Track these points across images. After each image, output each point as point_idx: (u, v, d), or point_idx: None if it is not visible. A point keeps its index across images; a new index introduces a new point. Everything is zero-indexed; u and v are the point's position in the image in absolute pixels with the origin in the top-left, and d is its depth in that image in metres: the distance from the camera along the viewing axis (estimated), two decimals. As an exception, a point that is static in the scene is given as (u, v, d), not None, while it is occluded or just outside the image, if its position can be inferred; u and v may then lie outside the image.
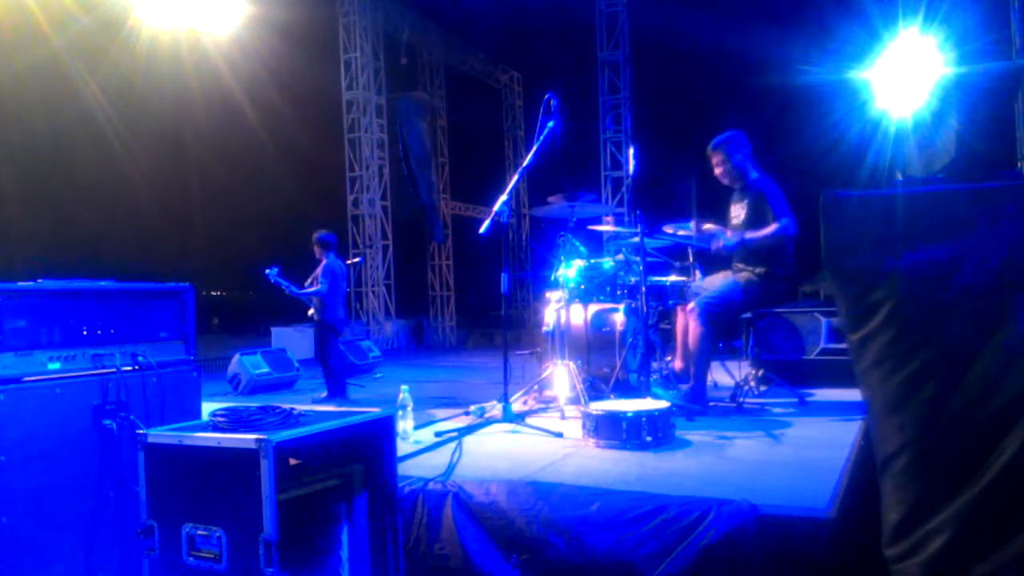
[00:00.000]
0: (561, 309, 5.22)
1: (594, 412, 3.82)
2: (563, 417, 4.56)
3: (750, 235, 4.74)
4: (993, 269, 2.09)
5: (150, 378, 3.03)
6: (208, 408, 2.66)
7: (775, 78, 12.32)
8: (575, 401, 4.68)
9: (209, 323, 25.36)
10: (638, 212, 4.69)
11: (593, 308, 5.24)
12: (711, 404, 4.77)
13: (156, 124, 16.26)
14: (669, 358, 5.50)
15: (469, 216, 16.65)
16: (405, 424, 4.05)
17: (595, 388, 4.94)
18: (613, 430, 3.72)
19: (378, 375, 8.53)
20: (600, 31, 13.26)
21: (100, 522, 2.80)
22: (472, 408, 4.70)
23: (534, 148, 4.64)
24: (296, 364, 7.87)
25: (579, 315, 5.18)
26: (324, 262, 6.70)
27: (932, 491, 2.10)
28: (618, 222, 6.95)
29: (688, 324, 4.81)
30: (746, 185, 4.91)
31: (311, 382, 7.71)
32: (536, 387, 5.15)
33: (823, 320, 5.84)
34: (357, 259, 9.52)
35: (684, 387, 4.78)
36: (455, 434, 4.11)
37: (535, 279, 15.00)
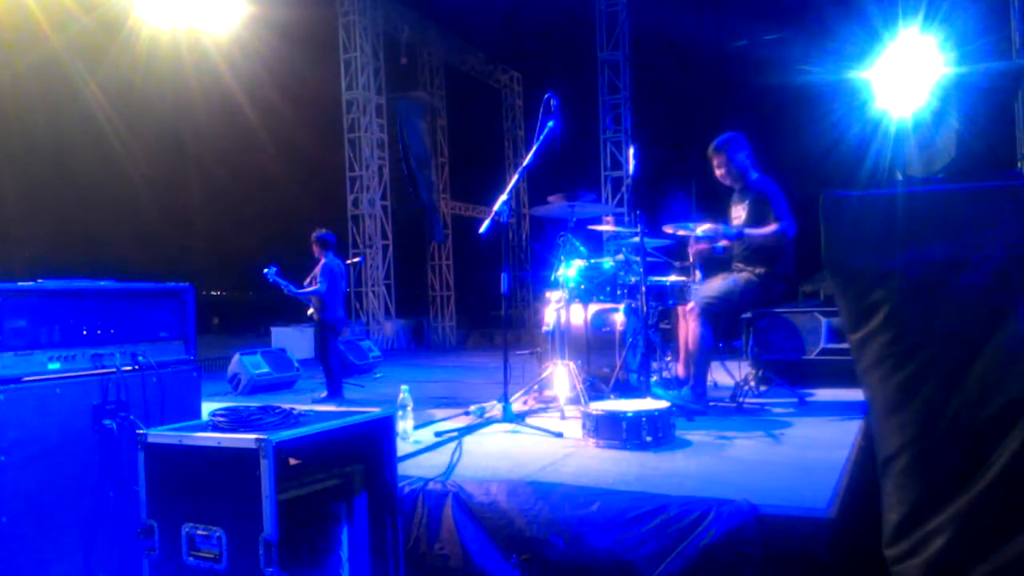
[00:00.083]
0: (561, 309, 5.22)
1: (594, 412, 3.82)
2: (563, 417, 4.56)
3: (750, 231, 4.74)
4: (993, 269, 2.09)
5: (150, 378, 3.03)
6: (208, 408, 2.66)
7: (775, 78, 12.33)
8: (575, 401, 4.68)
9: (209, 323, 25.34)
10: (638, 212, 4.69)
11: (593, 308, 5.24)
12: (711, 404, 4.78)
13: (156, 124, 16.26)
14: (669, 358, 5.50)
15: (469, 216, 16.65)
16: (405, 424, 4.05)
17: (595, 388, 4.94)
18: (613, 430, 3.72)
19: (378, 375, 8.53)
20: (600, 31, 13.26)
21: (100, 522, 2.80)
22: (472, 408, 4.70)
23: (534, 148, 4.64)
24: (296, 364, 7.87)
25: (579, 315, 5.18)
26: (323, 261, 6.70)
27: (932, 491, 2.10)
28: (618, 222, 6.96)
29: (688, 324, 4.81)
30: (746, 186, 4.91)
31: (311, 382, 7.71)
32: (536, 387, 5.15)
33: (823, 320, 5.84)
34: (357, 259, 9.52)
35: (684, 388, 4.78)
36: (455, 434, 4.11)
37: (535, 279, 15.01)
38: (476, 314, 17.01)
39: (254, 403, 2.63)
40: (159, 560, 2.38)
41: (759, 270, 4.76)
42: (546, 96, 4.69)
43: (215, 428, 2.39)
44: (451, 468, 3.31)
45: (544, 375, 5.13)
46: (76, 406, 2.77)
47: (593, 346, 5.18)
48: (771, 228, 4.67)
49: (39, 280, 2.81)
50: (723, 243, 4.94)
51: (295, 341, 11.12)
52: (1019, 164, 8.62)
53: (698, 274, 5.39)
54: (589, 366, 5.11)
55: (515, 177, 4.99)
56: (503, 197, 4.55)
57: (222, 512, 2.27)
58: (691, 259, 5.32)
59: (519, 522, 2.83)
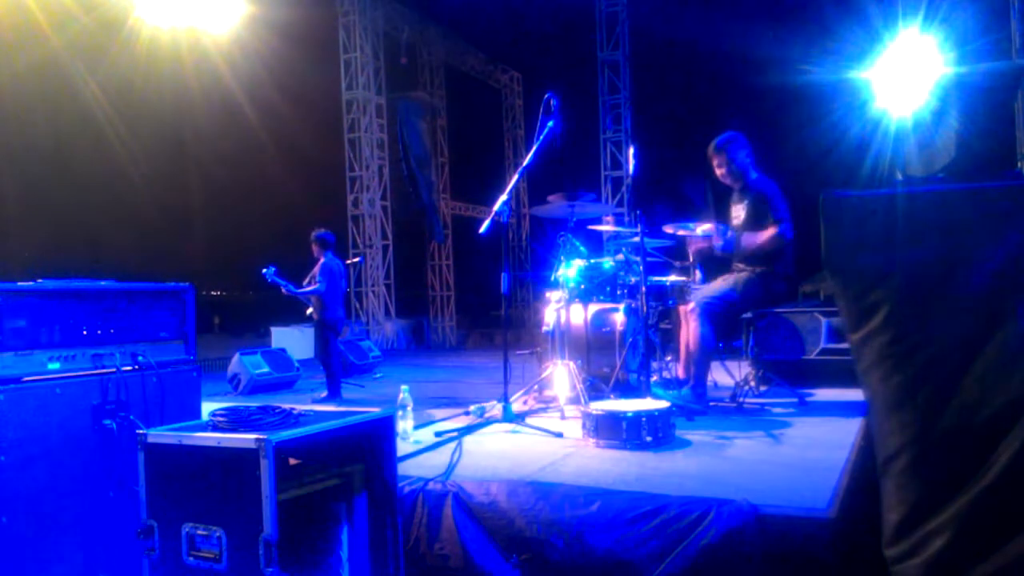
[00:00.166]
0: (561, 309, 5.22)
1: (594, 412, 3.82)
2: (563, 417, 4.56)
3: (746, 242, 4.75)
4: (993, 269, 2.09)
5: (150, 378, 3.03)
6: (208, 408, 2.66)
7: (775, 78, 12.32)
8: (575, 401, 4.68)
9: (211, 323, 25.34)
10: (638, 212, 4.69)
11: (593, 308, 5.24)
12: (711, 404, 4.78)
13: (156, 124, 16.26)
14: (669, 358, 5.50)
15: (469, 216, 16.65)
16: (405, 424, 4.05)
17: (595, 388, 4.94)
18: (613, 430, 3.72)
19: (378, 375, 8.53)
20: (600, 31, 13.26)
21: (100, 522, 2.80)
22: (472, 408, 4.70)
23: (534, 148, 4.64)
24: (296, 364, 7.87)
25: (579, 315, 5.18)
26: (322, 261, 6.70)
27: (933, 491, 2.10)
28: (618, 222, 6.95)
29: (688, 324, 4.81)
30: (746, 186, 4.92)
31: (311, 382, 7.71)
32: (536, 387, 5.15)
33: (823, 320, 5.84)
34: (357, 259, 9.52)
35: (684, 389, 4.78)
36: (455, 434, 4.11)
37: (535, 279, 15.01)
38: (476, 314, 17.01)
39: (254, 403, 2.63)
40: (159, 560, 2.38)
41: (759, 270, 4.76)
42: (546, 96, 4.69)
43: (215, 428, 2.39)
44: (451, 468, 3.31)
45: (544, 375, 5.13)
46: (76, 406, 2.78)
47: (593, 346, 5.18)
48: (768, 233, 4.67)
49: (39, 280, 2.81)
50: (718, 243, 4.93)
51: (295, 341, 11.12)
52: (1019, 164, 8.62)
53: (698, 274, 5.39)
54: (589, 366, 5.11)
55: (515, 177, 4.99)
56: (503, 197, 4.55)
57: (222, 512, 2.27)
58: (691, 259, 5.33)
59: (519, 522, 2.83)
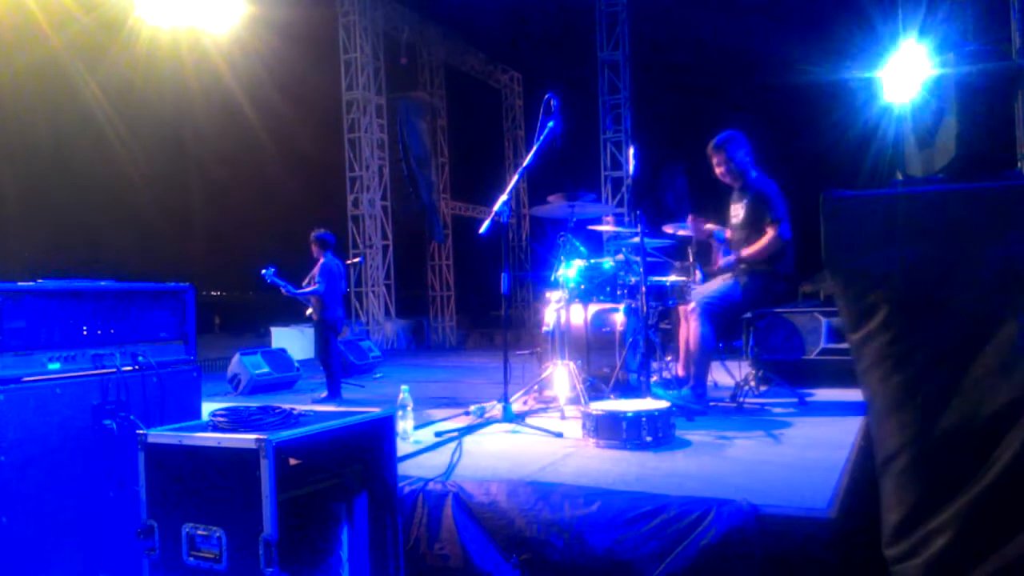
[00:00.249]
0: (561, 309, 5.22)
1: (594, 412, 3.82)
2: (563, 417, 4.56)
3: (746, 253, 4.75)
4: (993, 269, 2.09)
5: (150, 378, 3.03)
6: (208, 408, 2.66)
7: (775, 78, 12.33)
8: (575, 401, 4.68)
9: (211, 323, 25.35)
10: (638, 212, 4.69)
11: (593, 308, 5.24)
12: (711, 404, 4.78)
13: (156, 124, 16.27)
14: (669, 358, 5.50)
15: (469, 216, 16.64)
16: (405, 424, 4.05)
17: (595, 388, 4.94)
18: (613, 430, 3.72)
19: (378, 375, 8.53)
20: (600, 31, 13.25)
21: (100, 522, 2.80)
22: (472, 408, 4.70)
23: (534, 148, 4.64)
24: (296, 364, 7.87)
25: (579, 315, 5.18)
26: (322, 261, 6.70)
27: (932, 491, 2.10)
28: (618, 222, 6.96)
29: (688, 324, 4.81)
30: (746, 184, 4.91)
31: (311, 382, 7.71)
32: (536, 387, 5.15)
33: (823, 320, 5.84)
34: (357, 259, 9.52)
35: (684, 389, 4.78)
36: (455, 434, 4.11)
37: (535, 279, 15.01)
38: (476, 314, 17.01)
39: (254, 403, 2.63)
40: (159, 560, 2.38)
41: (759, 270, 4.76)
42: (546, 96, 4.69)
43: (215, 428, 2.39)
44: (451, 468, 3.31)
45: (544, 375, 5.13)
46: (76, 406, 2.78)
47: (593, 346, 5.18)
48: (766, 239, 4.68)
49: (39, 280, 2.81)
50: (726, 234, 4.94)
51: (295, 341, 11.12)
52: (1019, 164, 8.62)
53: (698, 274, 5.39)
54: (589, 366, 5.11)
55: (515, 177, 4.99)
56: (503, 197, 4.55)
57: (222, 512, 2.27)
58: (691, 258, 5.33)
59: (519, 522, 2.83)
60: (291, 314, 11.62)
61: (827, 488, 2.77)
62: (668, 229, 5.14)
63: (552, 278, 5.28)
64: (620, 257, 5.26)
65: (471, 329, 16.19)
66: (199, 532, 2.30)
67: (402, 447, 3.53)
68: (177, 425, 2.54)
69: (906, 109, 2.74)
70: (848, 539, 2.54)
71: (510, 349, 4.91)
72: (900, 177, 2.72)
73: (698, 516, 2.58)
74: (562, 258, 5.18)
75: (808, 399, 4.93)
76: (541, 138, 4.65)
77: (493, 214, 4.58)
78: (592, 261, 5.24)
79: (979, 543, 2.03)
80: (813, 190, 2.42)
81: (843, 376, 5.11)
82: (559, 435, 4.05)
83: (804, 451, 3.55)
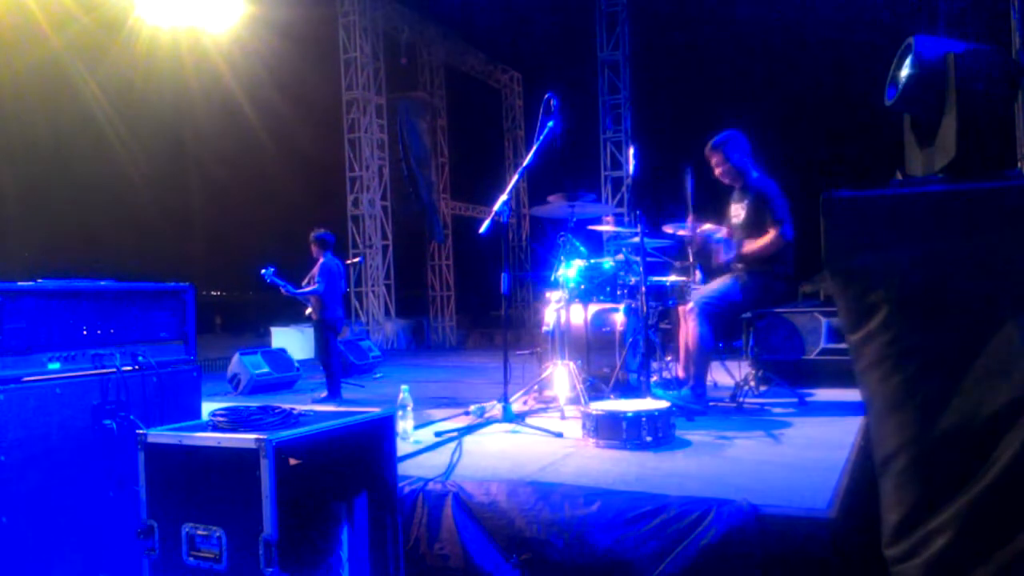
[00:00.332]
0: (561, 309, 5.22)
1: (594, 412, 3.82)
2: (563, 417, 4.56)
3: (747, 248, 4.75)
4: (994, 269, 2.09)
5: (150, 378, 3.03)
6: (208, 408, 2.66)
7: (776, 77, 12.34)
8: (575, 401, 4.68)
9: (212, 323, 25.35)
10: (638, 212, 4.69)
11: (593, 308, 5.24)
12: (711, 404, 4.78)
13: (156, 124, 16.28)
14: (669, 358, 5.50)
15: (469, 216, 16.64)
16: (405, 424, 4.05)
17: (595, 388, 4.94)
18: (613, 430, 3.72)
19: (378, 375, 8.53)
20: (600, 31, 13.25)
21: (100, 522, 2.80)
22: (472, 408, 4.70)
23: (534, 148, 4.64)
24: (296, 364, 7.87)
25: (579, 315, 5.18)
26: (321, 261, 6.70)
27: (932, 491, 2.10)
28: (618, 222, 6.95)
29: (688, 324, 4.81)
30: (747, 185, 4.91)
31: (311, 382, 7.71)
32: (536, 387, 5.15)
33: (823, 320, 5.83)
34: (357, 259, 9.52)
35: (684, 389, 4.78)
36: (455, 434, 4.11)
37: (535, 279, 15.01)
38: (476, 314, 17.02)
39: (254, 403, 2.63)
40: (159, 560, 2.38)
41: (759, 270, 4.76)
42: (546, 96, 4.69)
43: (215, 428, 2.39)
44: (451, 468, 3.31)
45: (544, 375, 5.13)
46: (76, 406, 2.78)
47: (593, 346, 5.18)
48: (768, 237, 4.67)
49: (39, 280, 2.81)
50: (722, 234, 4.93)
51: (295, 341, 11.12)
52: (1019, 164, 8.62)
53: (698, 274, 5.39)
54: (589, 366, 5.11)
55: (515, 177, 4.99)
56: (503, 197, 4.55)
57: (222, 512, 2.27)
58: (691, 258, 5.32)
59: (519, 522, 2.83)
60: (291, 314, 11.63)
61: (827, 488, 2.77)
62: (668, 229, 5.13)
63: (552, 278, 5.28)
64: (620, 257, 5.26)
65: (471, 329, 16.19)
66: (199, 532, 2.30)
67: (402, 447, 3.53)
68: (177, 425, 2.54)
69: (906, 109, 2.74)
70: (848, 539, 2.54)
71: (510, 349, 4.91)
72: (900, 177, 2.72)
73: (698, 516, 2.58)
74: (562, 258, 5.18)
75: (808, 399, 4.93)
76: (541, 138, 4.65)
77: (493, 214, 4.58)
78: (592, 261, 5.24)
79: (979, 543, 2.03)
80: (813, 190, 2.42)
81: (843, 376, 5.11)
82: (559, 435, 4.05)
83: (804, 451, 3.55)
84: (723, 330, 4.97)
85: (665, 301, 5.15)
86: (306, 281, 6.76)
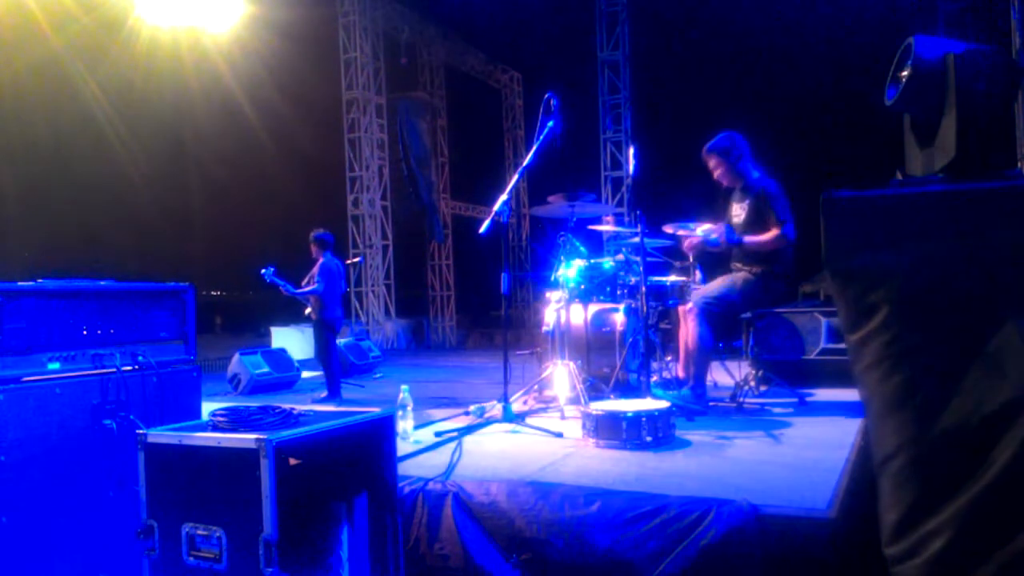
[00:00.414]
0: (561, 309, 5.22)
1: (594, 412, 3.82)
2: (563, 417, 4.56)
3: (749, 239, 4.75)
4: (994, 269, 2.09)
5: (150, 378, 3.03)
6: (208, 408, 2.66)
7: (776, 77, 12.34)
8: (575, 401, 4.68)
9: (212, 323, 25.35)
10: (638, 212, 4.69)
11: (593, 308, 5.24)
12: (711, 404, 4.78)
13: (156, 124, 16.28)
14: (669, 358, 5.50)
15: (469, 216, 16.65)
16: (405, 424, 4.05)
17: (595, 388, 4.94)
18: (613, 430, 3.72)
19: (378, 375, 8.53)
20: (600, 31, 13.25)
21: (100, 522, 2.80)
22: (472, 408, 4.70)
23: (534, 148, 4.64)
24: (296, 364, 7.87)
25: (579, 315, 5.18)
26: (321, 261, 6.71)
27: (931, 491, 2.10)
28: (618, 222, 6.96)
29: (688, 324, 4.81)
30: (747, 185, 4.90)
31: (311, 382, 7.71)
32: (536, 387, 5.15)
33: (823, 320, 5.83)
34: (357, 259, 9.51)
35: (684, 389, 4.78)
36: (455, 434, 4.11)
37: (535, 279, 15.01)
38: (476, 314, 17.02)
39: (254, 403, 2.63)
40: (159, 560, 2.38)
41: (758, 270, 4.76)
42: (546, 96, 4.69)
43: (215, 428, 2.39)
44: (451, 468, 3.32)
45: (544, 375, 5.13)
46: (76, 406, 2.78)
47: (593, 346, 5.18)
48: (771, 234, 4.66)
49: (39, 280, 2.81)
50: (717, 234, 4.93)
51: (295, 341, 11.12)
52: (1019, 164, 8.62)
53: (698, 274, 5.39)
54: (589, 366, 5.11)
55: (515, 177, 4.99)
56: (503, 197, 4.55)
57: (222, 512, 2.27)
58: (690, 258, 5.33)
59: (519, 522, 2.83)
60: (291, 314, 11.63)
61: (827, 488, 2.77)
62: (668, 229, 5.13)
63: (552, 278, 5.28)
64: (620, 257, 5.26)
65: (471, 329, 16.19)
66: (199, 532, 2.30)
67: (402, 447, 3.53)
68: (177, 425, 2.54)
69: (906, 109, 2.74)
70: (848, 539, 2.54)
71: (510, 349, 4.91)
72: (900, 177, 2.72)
73: (698, 516, 2.58)
74: (562, 258, 5.18)
75: (808, 399, 4.93)
76: (541, 138, 4.65)
77: (493, 214, 4.58)
78: (592, 261, 5.24)
79: (979, 543, 2.03)
80: (813, 190, 2.42)
81: (843, 376, 5.09)
82: (559, 435, 4.05)
83: (804, 451, 3.55)
84: (723, 330, 4.97)
85: (665, 301, 5.15)
86: (306, 281, 6.76)
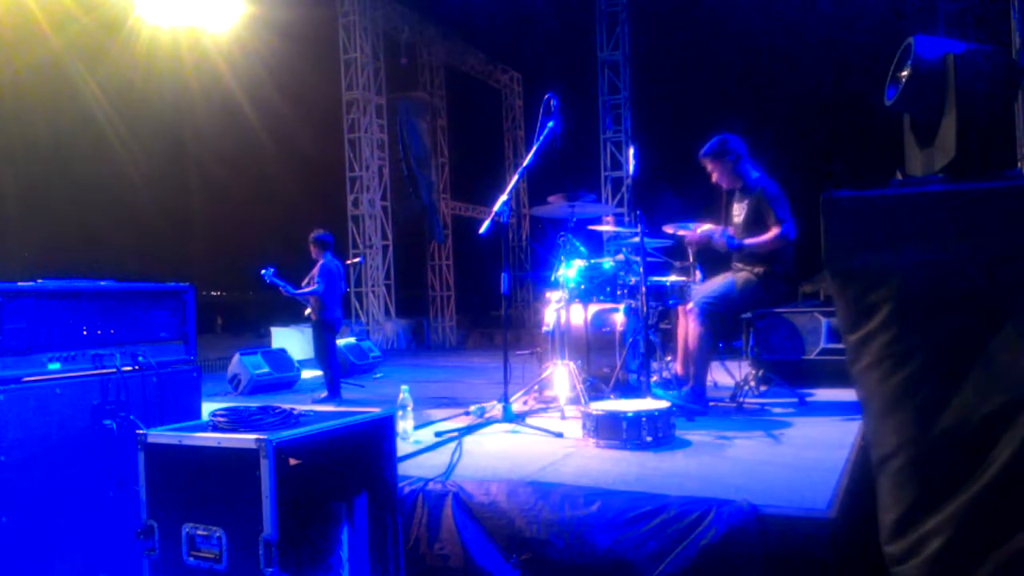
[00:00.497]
0: (561, 309, 5.22)
1: (594, 412, 3.82)
2: (563, 417, 4.56)
3: (750, 241, 4.75)
4: (994, 270, 2.09)
5: (150, 378, 3.03)
6: (208, 408, 2.66)
7: (776, 77, 12.33)
8: (575, 401, 4.68)
9: (213, 323, 25.36)
10: (638, 212, 4.69)
11: (593, 308, 5.24)
12: (711, 404, 4.77)
13: (156, 124, 16.29)
14: (669, 358, 5.50)
15: (469, 216, 16.65)
16: (405, 424, 4.05)
17: (595, 388, 4.94)
18: (613, 430, 3.72)
19: (378, 375, 8.53)
20: (600, 31, 13.25)
21: (100, 522, 2.80)
22: (472, 408, 4.70)
23: (534, 148, 4.64)
24: (296, 364, 7.87)
25: (579, 315, 5.18)
26: (321, 262, 6.71)
27: (930, 491, 2.10)
28: (618, 222, 6.96)
29: (688, 324, 4.81)
30: (747, 186, 4.90)
31: (311, 382, 7.71)
32: (536, 387, 5.15)
33: (823, 320, 5.83)
34: (357, 259, 9.52)
35: (684, 389, 4.78)
36: (455, 434, 4.11)
37: (535, 279, 15.01)
38: (476, 314, 17.02)
39: (254, 403, 2.63)
40: (159, 560, 2.38)
41: (758, 270, 4.76)
42: (546, 96, 4.69)
43: (215, 428, 2.39)
44: (451, 468, 3.32)
45: (544, 375, 5.13)
46: (76, 406, 2.78)
47: (593, 346, 5.18)
48: (771, 234, 4.66)
49: (39, 280, 2.81)
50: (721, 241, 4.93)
51: (295, 341, 11.11)
52: (1019, 164, 8.61)
53: (698, 274, 5.39)
54: (589, 366, 5.11)
55: (515, 177, 4.99)
56: (503, 197, 4.55)
57: (222, 512, 2.27)
58: (691, 258, 5.32)
59: (519, 522, 2.83)
60: (291, 314, 11.62)
61: (827, 488, 2.77)
62: (668, 229, 5.13)
63: (552, 278, 5.28)
64: (620, 257, 5.26)
65: (471, 329, 16.19)
66: (199, 532, 2.30)
67: (402, 447, 3.53)
68: (177, 425, 2.54)
69: (906, 109, 2.74)
70: (848, 539, 2.54)
71: (510, 349, 4.91)
72: (900, 177, 2.72)
73: (698, 516, 2.58)
74: (562, 258, 5.18)
75: (808, 399, 4.93)
76: (541, 138, 4.65)
77: (493, 214, 4.58)
78: (592, 261, 5.24)
79: (978, 542, 2.03)
80: (813, 190, 2.42)
81: (843, 376, 5.07)
82: (559, 435, 4.05)
83: (804, 451, 3.55)
84: (723, 330, 4.97)
85: (665, 301, 5.15)
86: (306, 282, 6.77)
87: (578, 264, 5.15)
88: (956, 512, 2.05)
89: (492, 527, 2.88)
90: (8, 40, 11.49)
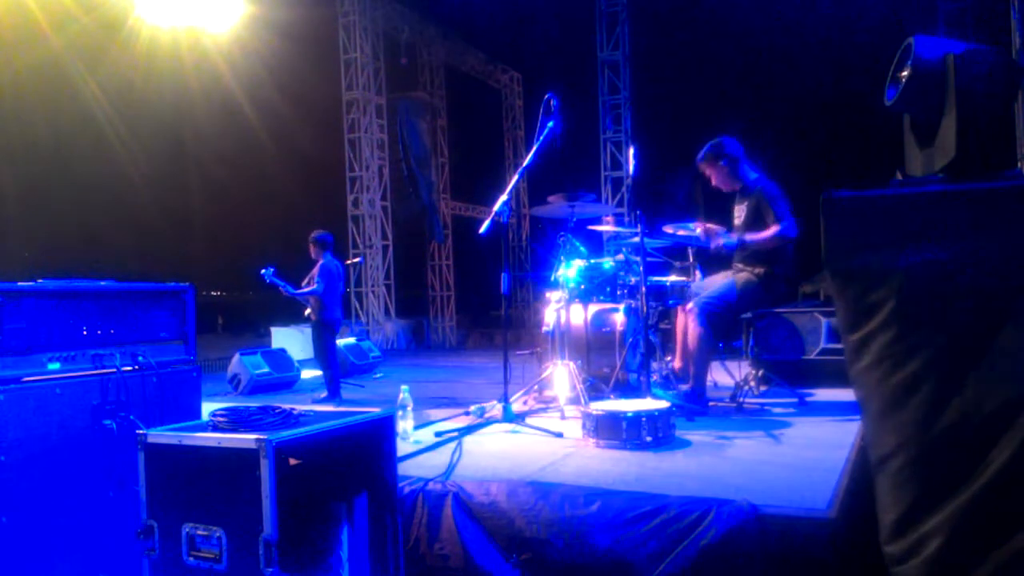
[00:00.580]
0: (561, 309, 5.22)
1: (594, 412, 3.82)
2: (563, 417, 4.56)
3: (750, 237, 4.74)
4: (994, 270, 2.09)
5: (150, 378, 3.03)
6: (208, 408, 2.66)
7: (776, 77, 12.33)
8: (575, 401, 4.68)
9: (214, 323, 25.35)
10: (638, 212, 4.69)
11: (593, 308, 5.24)
12: (711, 404, 4.78)
13: (156, 124, 16.30)
14: (669, 358, 5.50)
15: (469, 216, 16.64)
16: (405, 424, 4.05)
17: (595, 388, 4.94)
18: (613, 430, 3.72)
19: (378, 375, 8.53)
20: (600, 31, 13.25)
21: (100, 522, 2.80)
22: (472, 408, 4.70)
23: (534, 148, 4.64)
24: (296, 364, 7.87)
25: (579, 315, 5.18)
26: (321, 262, 6.71)
27: (930, 491, 2.10)
28: (618, 222, 6.95)
29: (687, 324, 4.81)
30: (746, 187, 4.90)
31: (311, 382, 7.71)
32: (536, 387, 5.15)
33: (823, 320, 5.83)
34: (357, 259, 9.52)
35: (684, 387, 4.78)
36: (455, 434, 4.11)
37: (535, 279, 15.01)
38: (476, 314, 17.01)
39: (254, 403, 2.63)
40: (159, 560, 2.38)
41: (758, 270, 4.76)
42: (546, 96, 4.69)
43: (215, 428, 2.39)
44: (451, 468, 3.32)
45: (544, 375, 5.13)
46: (76, 406, 2.78)
47: (593, 346, 5.18)
48: (771, 231, 4.66)
49: (39, 280, 2.81)
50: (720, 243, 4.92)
51: (295, 341, 11.10)
52: (1019, 164, 8.61)
53: (698, 274, 5.39)
54: (589, 366, 5.11)
55: (515, 177, 4.99)
56: (503, 197, 4.55)
57: (222, 512, 2.27)
58: (691, 259, 5.32)
59: (519, 522, 2.83)
60: (291, 314, 11.62)
61: (827, 488, 2.77)
62: (668, 229, 5.13)
63: (552, 278, 5.28)
64: (620, 257, 5.26)
65: (471, 329, 16.19)
66: (199, 532, 2.30)
67: (402, 447, 3.53)
68: (177, 425, 2.54)
69: (906, 109, 2.74)
70: (848, 539, 2.54)
71: (510, 349, 4.91)
72: (900, 177, 2.72)
73: (698, 516, 2.58)
74: (562, 258, 5.18)
75: (808, 399, 4.93)
76: (541, 138, 4.65)
77: (493, 214, 4.58)
78: (592, 261, 5.24)
79: (977, 542, 2.03)
80: (813, 190, 2.42)
81: (843, 376, 5.06)
82: (559, 435, 4.05)
83: (804, 451, 3.55)
84: (723, 330, 4.97)
85: (665, 301, 5.15)
86: (306, 282, 6.77)
87: (578, 264, 5.15)
88: (956, 512, 2.05)
89: (492, 527, 2.88)
90: (8, 40, 11.49)
